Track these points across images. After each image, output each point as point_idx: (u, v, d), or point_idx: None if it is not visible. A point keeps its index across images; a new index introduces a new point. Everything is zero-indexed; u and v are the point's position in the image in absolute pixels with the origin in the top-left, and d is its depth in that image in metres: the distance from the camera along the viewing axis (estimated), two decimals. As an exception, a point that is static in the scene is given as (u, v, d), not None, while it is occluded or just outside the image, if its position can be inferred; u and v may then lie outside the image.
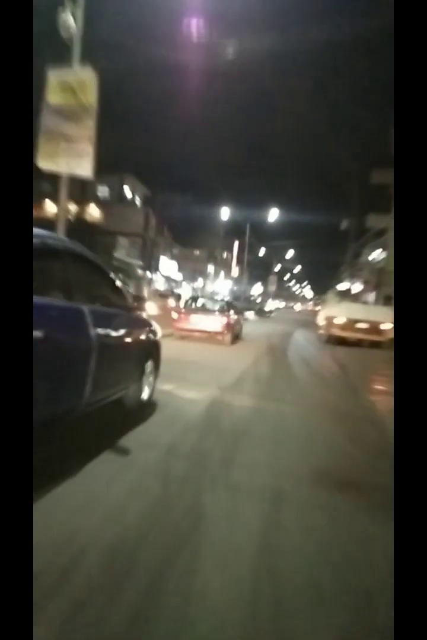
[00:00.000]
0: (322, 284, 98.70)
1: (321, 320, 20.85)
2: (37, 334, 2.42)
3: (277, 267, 66.62)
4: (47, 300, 2.76)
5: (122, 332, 3.92)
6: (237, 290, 50.87)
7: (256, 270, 67.41)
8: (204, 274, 47.61)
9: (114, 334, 3.69)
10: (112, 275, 3.97)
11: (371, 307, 18.00)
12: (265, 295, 54.07)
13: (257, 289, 66.93)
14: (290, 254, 57.67)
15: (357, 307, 14.97)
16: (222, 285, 49.82)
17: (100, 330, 3.33)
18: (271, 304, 48.50)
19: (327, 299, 20.07)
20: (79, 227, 24.56)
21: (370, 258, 29.16)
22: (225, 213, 28.03)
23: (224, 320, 12.27)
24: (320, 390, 7.07)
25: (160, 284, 30.78)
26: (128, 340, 4.12)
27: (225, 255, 64.16)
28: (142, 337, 4.54)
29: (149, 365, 4.72)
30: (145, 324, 4.71)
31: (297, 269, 79.10)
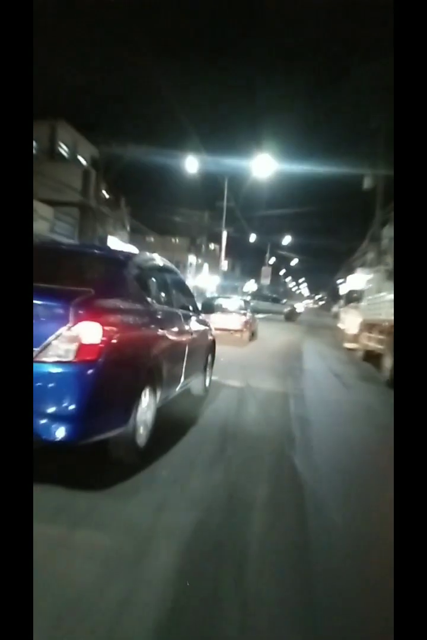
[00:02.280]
0: (321, 281, 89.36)
1: (351, 327, 12.22)
2: (158, 332, 3.49)
3: (272, 260, 57.94)
4: (163, 306, 3.82)
5: (197, 331, 4.85)
6: (227, 286, 43.61)
7: (247, 261, 59.06)
8: (183, 266, 39.03)
9: (193, 332, 4.65)
10: (188, 284, 5.45)
11: None
12: (260, 292, 45.54)
13: (250, 285, 58.39)
14: (287, 240, 48.10)
15: None
16: (206, 280, 41.21)
17: (188, 330, 4.41)
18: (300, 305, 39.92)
19: (374, 285, 11.21)
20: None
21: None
22: (196, 167, 19.40)
23: (243, 319, 12.72)
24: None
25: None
26: (200, 338, 5.07)
27: (212, 246, 55.92)
28: (206, 335, 5.54)
29: (209, 358, 5.73)
30: (207, 325, 5.59)
31: (294, 262, 70.01)
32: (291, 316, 29.18)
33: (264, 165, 17.24)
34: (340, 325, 15.38)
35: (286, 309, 30.01)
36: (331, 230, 57.43)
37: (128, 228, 25.67)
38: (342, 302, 17.57)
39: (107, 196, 22.82)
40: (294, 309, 32.53)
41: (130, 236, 27.85)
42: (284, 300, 36.73)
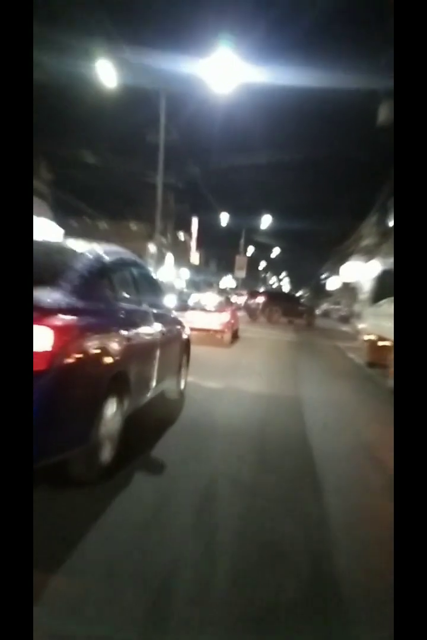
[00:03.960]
0: (303, 275, 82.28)
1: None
2: (124, 333, 3.15)
3: (250, 251, 51.47)
4: (129, 305, 3.52)
5: (169, 330, 4.51)
6: (200, 282, 37.28)
7: (224, 253, 52.62)
8: (143, 257, 32.23)
9: (165, 332, 4.31)
10: (158, 280, 5.01)
11: None
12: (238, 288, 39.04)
13: (227, 281, 51.96)
14: (266, 222, 40.25)
15: None
16: (170, 274, 34.44)
17: (159, 329, 4.09)
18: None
19: None
20: None
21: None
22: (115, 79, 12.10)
23: (225, 319, 11.83)
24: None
25: None
26: (173, 337, 4.74)
27: (182, 237, 49.35)
28: (180, 334, 5.18)
29: (184, 359, 5.40)
30: (180, 323, 5.26)
31: (275, 253, 63.60)
32: (310, 321, 22.80)
33: (224, 69, 10.33)
34: (368, 336, 8.83)
35: (305, 316, 22.93)
36: (319, 209, 50.45)
37: (49, 200, 18.71)
38: (361, 296, 11.08)
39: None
40: (313, 311, 25.78)
41: (64, 217, 20.98)
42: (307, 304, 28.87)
